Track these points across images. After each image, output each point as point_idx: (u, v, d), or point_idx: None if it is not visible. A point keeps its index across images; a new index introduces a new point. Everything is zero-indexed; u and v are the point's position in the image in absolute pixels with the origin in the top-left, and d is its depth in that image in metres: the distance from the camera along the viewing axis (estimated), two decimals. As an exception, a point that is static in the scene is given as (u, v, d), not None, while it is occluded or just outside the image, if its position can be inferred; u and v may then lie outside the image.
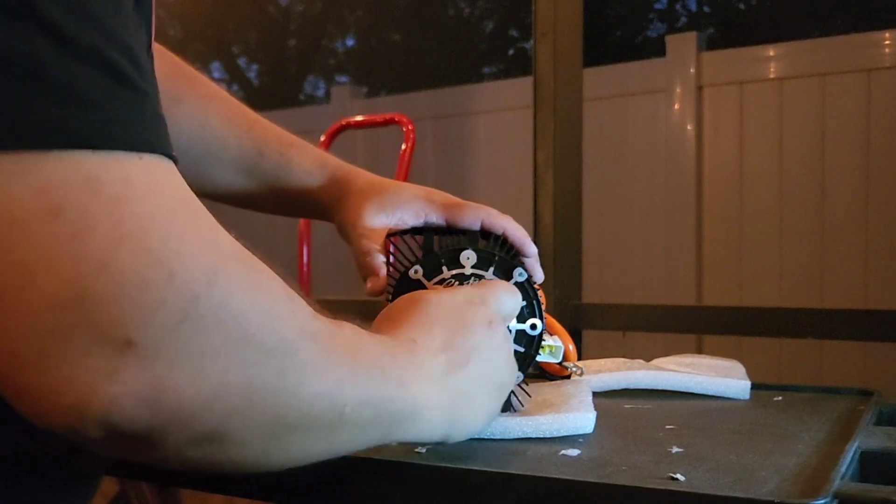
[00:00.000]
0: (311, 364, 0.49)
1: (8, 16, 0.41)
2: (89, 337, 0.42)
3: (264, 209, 0.95)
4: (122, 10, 0.46)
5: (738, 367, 1.04)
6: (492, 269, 0.77)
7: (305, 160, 0.90)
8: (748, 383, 0.94)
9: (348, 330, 0.55)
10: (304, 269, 2.79)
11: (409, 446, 0.69)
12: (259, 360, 0.46)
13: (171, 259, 0.43)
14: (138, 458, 0.49)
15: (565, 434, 0.72)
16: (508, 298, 0.70)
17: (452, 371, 0.61)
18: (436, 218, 0.83)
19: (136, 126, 0.44)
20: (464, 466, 0.62)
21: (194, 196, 0.47)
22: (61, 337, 0.42)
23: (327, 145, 2.82)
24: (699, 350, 2.85)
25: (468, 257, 0.77)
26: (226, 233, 0.47)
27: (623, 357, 1.06)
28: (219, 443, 0.47)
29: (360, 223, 0.83)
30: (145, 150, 0.44)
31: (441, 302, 0.65)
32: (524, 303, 0.77)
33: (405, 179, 2.61)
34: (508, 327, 0.76)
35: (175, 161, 0.47)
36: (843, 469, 0.60)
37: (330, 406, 0.50)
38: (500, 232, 0.81)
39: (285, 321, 0.48)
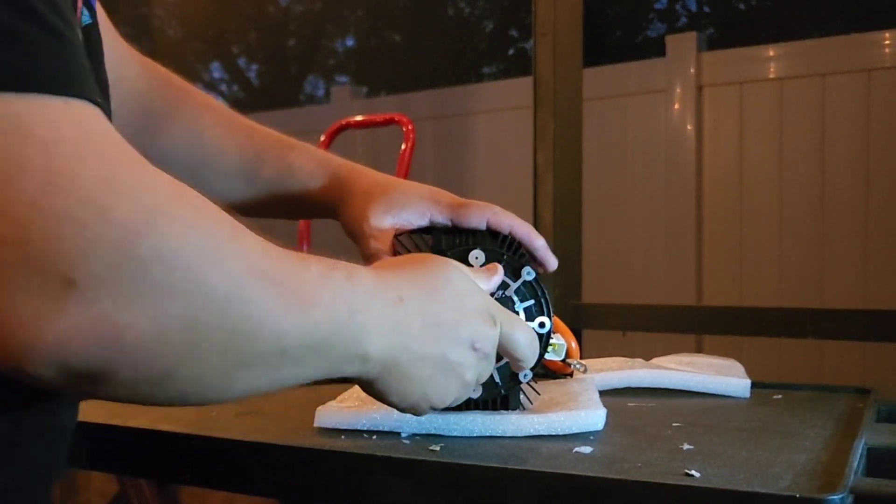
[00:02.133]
0: (257, 303, 0.49)
1: None
2: (32, 274, 0.43)
3: (264, 214, 0.94)
4: None
5: (736, 366, 1.05)
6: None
7: (308, 162, 0.90)
8: (748, 382, 0.95)
9: (313, 269, 0.55)
10: (305, 268, 2.79)
11: (424, 444, 0.70)
12: (205, 299, 0.46)
13: (104, 199, 0.44)
14: (92, 395, 0.49)
15: (577, 431, 0.73)
16: (523, 340, 0.69)
17: (417, 340, 0.61)
18: (441, 218, 0.83)
19: (61, 72, 0.45)
20: (480, 463, 0.62)
21: (123, 140, 0.47)
22: (4, 274, 0.42)
23: (327, 145, 2.82)
24: (699, 350, 2.86)
25: (477, 257, 0.77)
26: (164, 175, 0.48)
27: (623, 357, 1.07)
28: (169, 380, 0.47)
29: (368, 224, 0.83)
30: (72, 95, 0.45)
31: (458, 290, 0.65)
32: (532, 301, 0.77)
33: (405, 179, 2.61)
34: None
35: (101, 108, 0.47)
36: (855, 464, 0.61)
37: (274, 344, 0.51)
38: (506, 230, 0.81)
39: (232, 259, 0.48)
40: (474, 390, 0.76)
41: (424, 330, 0.61)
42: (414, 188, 0.86)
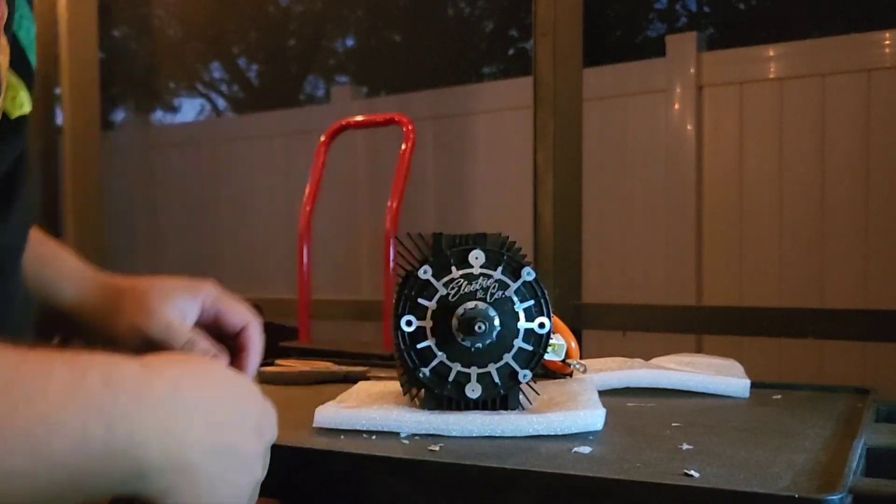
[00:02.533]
0: None
1: None
2: None
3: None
4: None
5: (736, 366, 1.05)
6: (500, 269, 0.77)
7: (60, 257, 0.83)
8: (748, 382, 0.95)
9: (56, 381, 0.43)
10: (304, 269, 2.80)
11: (424, 444, 0.70)
12: None
13: None
14: None
15: (576, 431, 0.73)
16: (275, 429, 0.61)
17: (204, 444, 0.51)
18: (209, 305, 0.80)
19: None
20: (480, 464, 0.62)
21: None
22: None
23: (327, 145, 2.82)
24: (699, 350, 2.86)
25: (477, 257, 0.77)
26: None
27: (622, 357, 1.07)
28: None
29: (164, 322, 0.77)
30: None
31: (227, 373, 0.58)
32: (532, 301, 0.77)
33: (405, 179, 2.61)
34: (518, 326, 0.77)
35: None
36: (854, 465, 0.61)
37: None
38: (255, 346, 0.80)
39: None
40: (473, 390, 0.76)
41: (208, 420, 0.51)
42: (170, 286, 0.80)
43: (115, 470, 0.46)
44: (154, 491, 0.49)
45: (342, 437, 0.73)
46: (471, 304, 0.76)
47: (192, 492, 0.50)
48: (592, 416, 0.74)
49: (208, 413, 0.52)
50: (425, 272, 0.77)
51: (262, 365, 1.10)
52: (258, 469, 0.57)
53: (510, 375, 0.77)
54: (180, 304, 0.79)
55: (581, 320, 2.47)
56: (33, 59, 0.62)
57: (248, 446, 0.55)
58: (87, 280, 0.82)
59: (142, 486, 0.48)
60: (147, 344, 0.77)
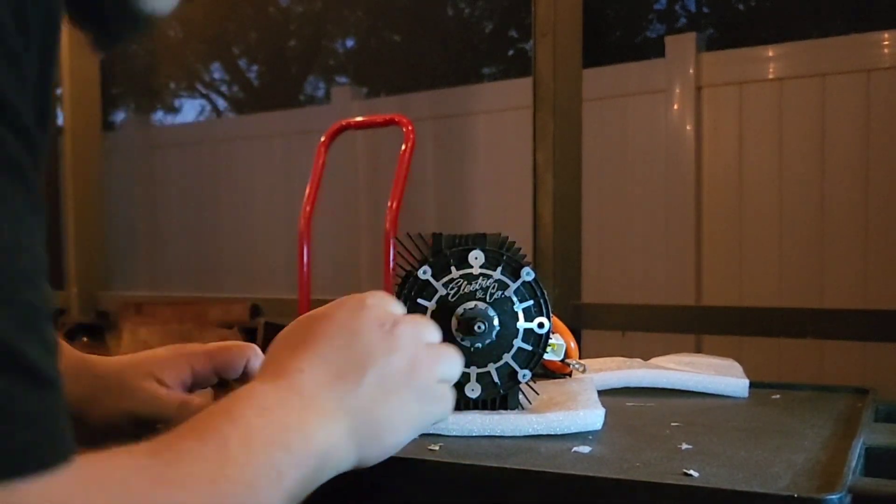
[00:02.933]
0: None
1: None
2: None
3: None
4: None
5: (735, 366, 1.05)
6: (500, 269, 0.77)
7: None
8: (747, 381, 0.95)
9: (233, 442, 0.48)
10: (304, 269, 2.80)
11: (424, 444, 0.70)
12: None
13: None
14: None
15: (575, 431, 0.73)
16: (389, 300, 0.64)
17: (349, 391, 0.56)
18: (200, 367, 0.79)
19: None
20: (480, 463, 0.62)
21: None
22: None
23: (327, 145, 2.83)
24: (699, 350, 2.86)
25: (476, 257, 0.77)
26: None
27: (622, 357, 1.07)
28: None
29: (149, 396, 0.76)
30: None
31: (325, 317, 0.61)
32: (532, 301, 0.77)
33: (405, 179, 2.61)
34: (517, 326, 0.77)
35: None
36: (853, 464, 0.61)
37: None
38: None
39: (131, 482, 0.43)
40: (472, 390, 0.76)
41: (338, 368, 0.56)
42: (160, 353, 0.80)
43: (318, 467, 0.52)
44: (354, 448, 0.55)
45: (342, 436, 0.73)
46: (470, 305, 0.76)
47: (380, 423, 0.57)
48: (592, 416, 0.74)
49: (332, 366, 0.56)
50: (425, 272, 0.77)
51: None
52: (413, 345, 0.59)
53: (510, 375, 0.77)
54: (162, 374, 0.77)
55: (581, 320, 2.47)
56: None
57: (381, 346, 0.58)
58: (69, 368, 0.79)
59: (346, 457, 0.55)
60: (139, 422, 0.76)
